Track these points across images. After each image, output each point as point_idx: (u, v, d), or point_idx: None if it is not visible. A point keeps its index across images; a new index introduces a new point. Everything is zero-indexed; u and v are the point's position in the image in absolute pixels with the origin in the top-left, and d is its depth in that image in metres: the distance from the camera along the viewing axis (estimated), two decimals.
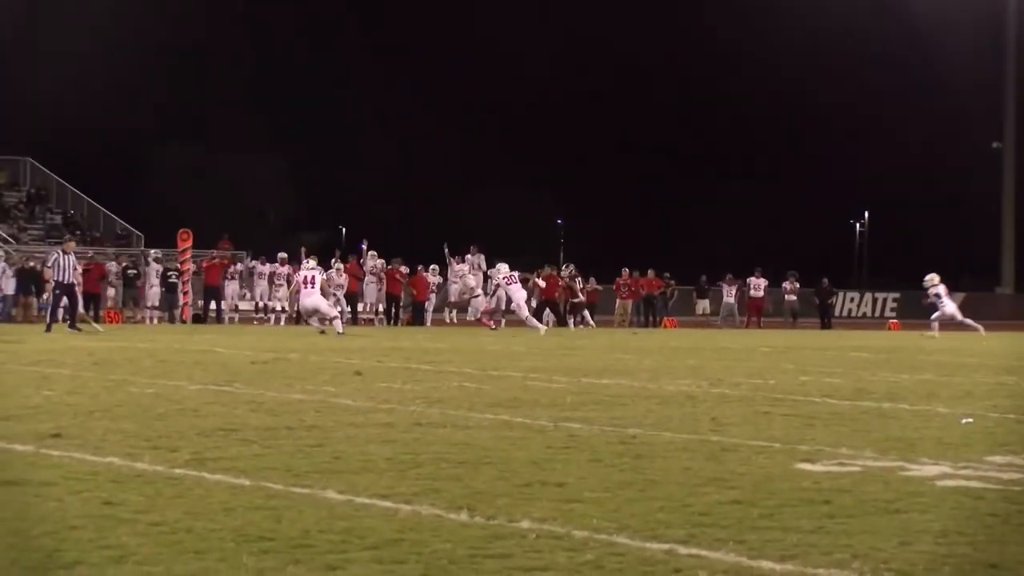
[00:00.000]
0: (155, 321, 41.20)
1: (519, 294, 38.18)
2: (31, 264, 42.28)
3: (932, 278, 41.61)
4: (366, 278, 43.41)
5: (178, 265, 42.62)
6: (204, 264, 43.49)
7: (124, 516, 7.07)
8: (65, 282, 32.42)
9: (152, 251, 44.99)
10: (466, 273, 44.05)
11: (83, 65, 69.92)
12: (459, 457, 9.64)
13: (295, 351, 23.58)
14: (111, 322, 38.57)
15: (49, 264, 33.91)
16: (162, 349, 23.91)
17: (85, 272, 39.01)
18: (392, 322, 42.55)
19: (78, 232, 54.96)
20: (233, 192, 77.14)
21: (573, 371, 19.32)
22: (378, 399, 14.17)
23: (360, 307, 43.38)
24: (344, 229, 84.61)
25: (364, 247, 44.17)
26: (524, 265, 42.86)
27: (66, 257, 32.84)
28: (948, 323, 40.44)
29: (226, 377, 16.97)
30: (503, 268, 38.68)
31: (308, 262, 33.04)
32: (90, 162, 62.07)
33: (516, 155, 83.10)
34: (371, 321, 42.80)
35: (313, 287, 31.88)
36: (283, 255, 43.91)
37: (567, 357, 23.76)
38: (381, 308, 43.33)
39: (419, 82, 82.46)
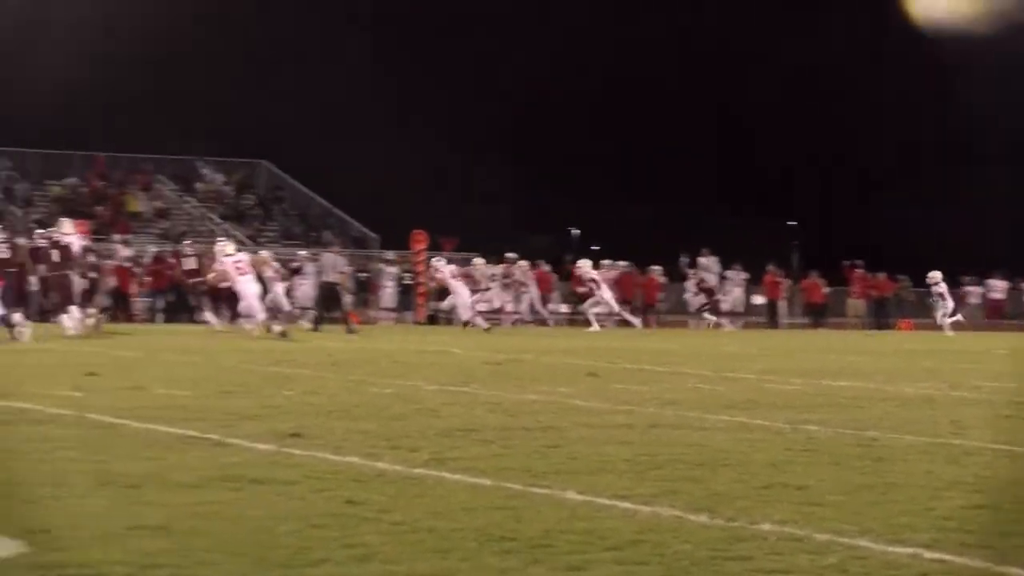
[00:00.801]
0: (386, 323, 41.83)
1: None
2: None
3: (934, 275, 41.07)
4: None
5: (413, 267, 43.21)
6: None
7: (367, 515, 7.14)
8: (329, 281, 33.20)
9: (388, 253, 45.69)
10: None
11: (316, 69, 71.19)
12: (697, 459, 9.57)
13: (528, 352, 23.67)
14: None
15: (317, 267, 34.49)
16: (399, 350, 24.21)
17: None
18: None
19: (312, 234, 56.04)
20: (465, 193, 77.79)
21: (809, 373, 19.09)
22: (614, 400, 14.15)
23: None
24: (576, 231, 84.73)
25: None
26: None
27: (332, 258, 33.77)
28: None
29: (462, 378, 17.10)
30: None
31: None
32: (326, 165, 63.02)
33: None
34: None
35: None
36: (512, 255, 44.13)
37: (802, 359, 23.49)
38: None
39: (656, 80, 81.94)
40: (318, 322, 33.45)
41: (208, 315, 34.12)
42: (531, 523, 6.99)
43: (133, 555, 5.97)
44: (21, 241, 31.75)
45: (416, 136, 73.79)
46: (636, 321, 41.28)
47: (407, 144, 73.71)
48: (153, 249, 45.55)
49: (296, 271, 42.26)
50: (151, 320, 40.61)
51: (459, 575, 5.92)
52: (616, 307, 39.60)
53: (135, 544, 6.20)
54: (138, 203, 56.05)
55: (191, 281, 36.15)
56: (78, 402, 12.72)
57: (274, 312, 31.23)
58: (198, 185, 59.11)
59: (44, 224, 51.88)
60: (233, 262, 29.67)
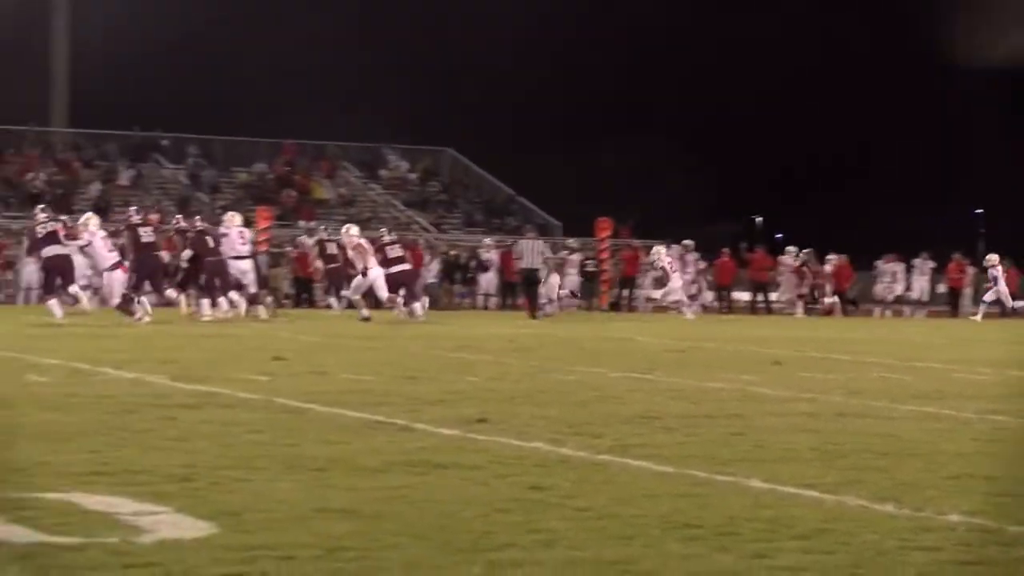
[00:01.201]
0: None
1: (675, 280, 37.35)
2: (453, 253, 43.73)
3: (992, 258, 40.04)
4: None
5: (597, 254, 43.28)
6: (624, 255, 44.00)
7: (551, 501, 7.15)
8: (530, 267, 33.32)
9: (570, 240, 45.77)
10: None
11: (501, 57, 71.45)
12: (883, 448, 9.44)
13: (711, 340, 23.56)
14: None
15: (516, 253, 34.62)
16: (581, 337, 24.25)
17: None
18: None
19: (494, 221, 56.33)
20: (649, 181, 77.53)
21: (996, 363, 18.74)
22: (798, 388, 14.02)
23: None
24: (759, 219, 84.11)
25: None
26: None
27: (530, 243, 33.86)
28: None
29: (645, 365, 17.06)
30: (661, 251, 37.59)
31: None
32: (512, 153, 63.35)
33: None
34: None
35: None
36: (688, 243, 43.92)
37: (988, 348, 23.07)
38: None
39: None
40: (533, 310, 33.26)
41: (332, 300, 34.86)
42: (715, 510, 6.95)
43: (320, 538, 6.05)
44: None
45: (598, 123, 73.89)
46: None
47: (589, 131, 73.83)
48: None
49: (483, 267, 42.69)
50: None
51: (643, 562, 5.90)
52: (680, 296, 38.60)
53: (322, 527, 6.28)
54: (323, 190, 56.76)
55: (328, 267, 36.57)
56: (265, 386, 12.92)
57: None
58: (383, 172, 59.68)
59: (229, 210, 52.97)
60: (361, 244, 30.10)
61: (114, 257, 27.50)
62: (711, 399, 12.83)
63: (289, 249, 41.90)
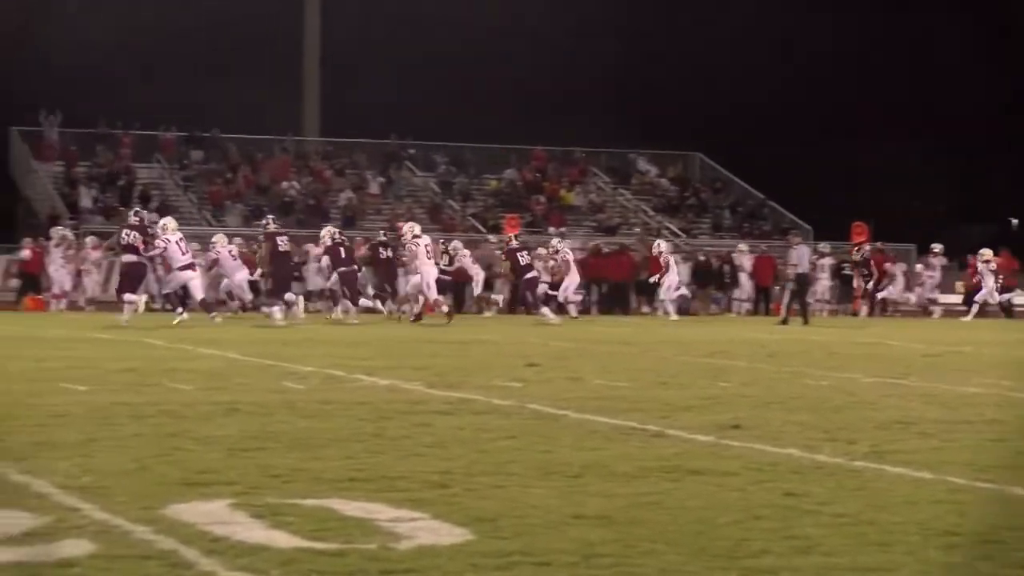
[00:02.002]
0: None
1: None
2: (702, 258, 43.57)
3: (985, 252, 38.32)
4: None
5: (851, 257, 42.67)
6: (875, 259, 43.34)
7: (806, 507, 7.07)
8: (803, 272, 33.26)
9: (822, 244, 45.23)
10: None
11: (750, 60, 70.96)
12: None
13: (968, 344, 23.06)
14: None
15: (792, 259, 34.37)
16: (833, 342, 23.94)
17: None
18: None
19: (744, 226, 55.89)
20: (899, 182, 76.25)
21: None
22: None
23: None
24: (1015, 220, 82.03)
25: None
26: None
27: (804, 249, 33.87)
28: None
29: (899, 370, 16.78)
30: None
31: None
32: (762, 157, 62.80)
33: None
34: None
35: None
36: (937, 247, 43.22)
37: None
38: None
39: None
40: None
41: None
42: (976, 518, 6.80)
43: (576, 544, 6.07)
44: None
45: (847, 125, 72.87)
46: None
47: (838, 133, 72.81)
48: (590, 242, 46.21)
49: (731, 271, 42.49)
50: (587, 312, 41.25)
51: (902, 569, 5.80)
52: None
53: (578, 533, 6.30)
54: (573, 196, 56.96)
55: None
56: (519, 393, 13.01)
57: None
58: (633, 178, 59.68)
59: (478, 217, 53.51)
60: (424, 245, 30.65)
61: (188, 259, 28.36)
62: (968, 404, 12.56)
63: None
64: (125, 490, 7.14)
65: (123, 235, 28.38)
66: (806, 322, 32.21)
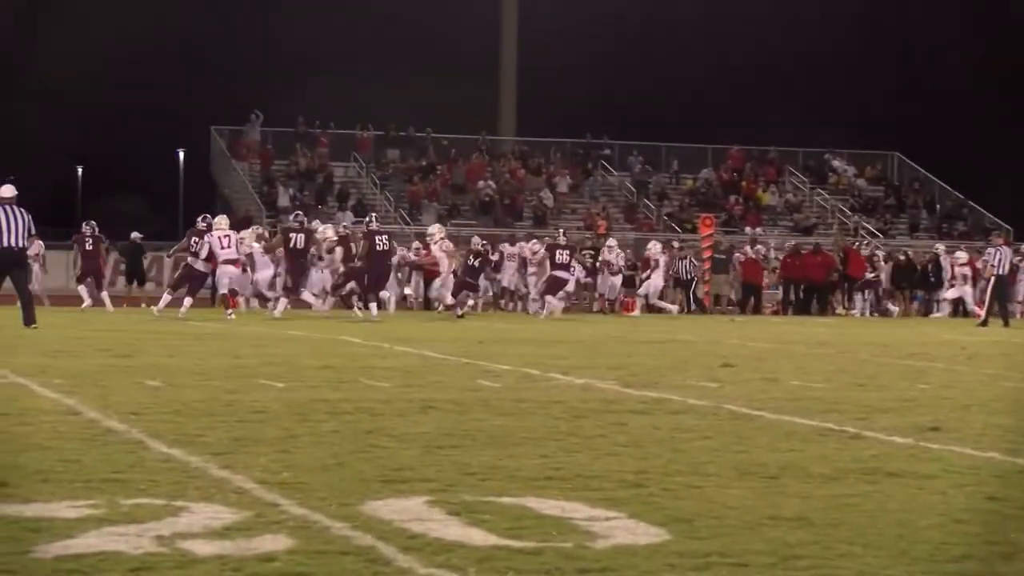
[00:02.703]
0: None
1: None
2: (903, 258, 42.95)
3: (961, 256, 37.65)
4: None
5: None
6: None
7: (1009, 512, 6.91)
8: (1002, 275, 32.81)
9: None
10: None
11: (948, 60, 69.74)
12: None
13: None
14: None
15: (991, 259, 33.84)
16: None
17: None
18: None
19: (943, 226, 54.99)
20: None
21: None
22: None
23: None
24: None
25: None
26: None
27: (1005, 250, 33.40)
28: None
29: None
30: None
31: None
32: (960, 155, 61.77)
33: None
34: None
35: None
36: None
37: None
38: None
39: None
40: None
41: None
42: None
43: (773, 545, 6.00)
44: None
45: None
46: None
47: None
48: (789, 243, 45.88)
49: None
50: (783, 312, 40.95)
51: None
52: None
53: (775, 534, 6.23)
54: (769, 196, 56.54)
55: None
56: (714, 393, 12.93)
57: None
58: (830, 178, 59.07)
59: (674, 217, 53.37)
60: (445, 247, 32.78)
61: (231, 254, 29.65)
62: None
63: (737, 255, 41.86)
64: (323, 486, 7.23)
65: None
66: (1006, 324, 31.63)
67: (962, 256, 40.15)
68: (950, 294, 40.55)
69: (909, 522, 6.58)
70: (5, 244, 22.20)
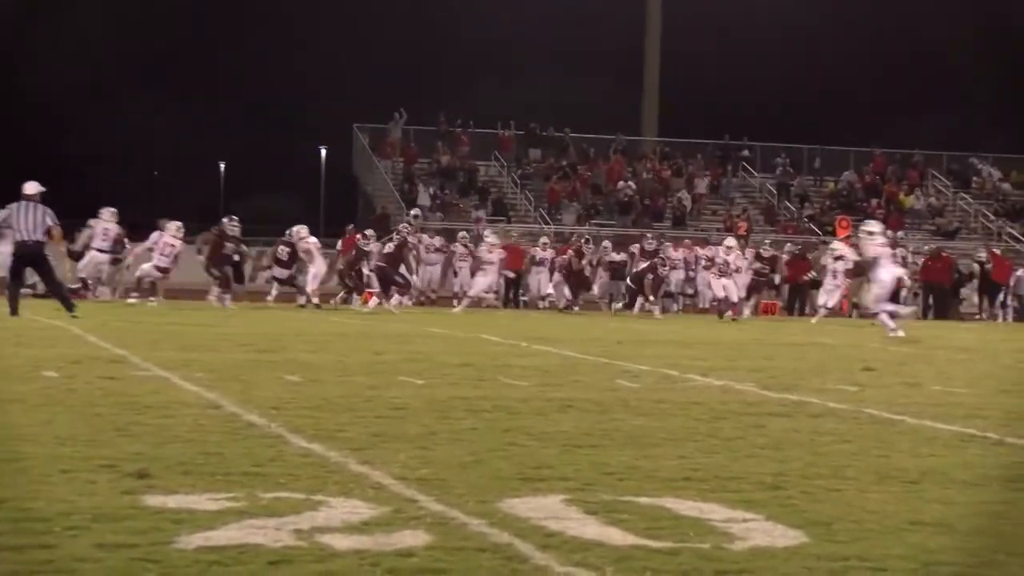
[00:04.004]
0: None
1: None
2: None
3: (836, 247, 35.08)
4: None
5: None
6: None
7: None
8: None
9: None
10: None
11: None
12: None
13: None
14: None
15: None
16: None
17: None
18: None
19: None
20: None
21: None
22: None
23: None
24: None
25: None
26: None
27: None
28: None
29: None
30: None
31: None
32: None
33: None
34: None
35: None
36: None
37: None
38: None
39: None
40: None
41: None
42: None
43: (914, 551, 5.92)
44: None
45: None
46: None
47: None
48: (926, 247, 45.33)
49: None
50: (922, 316, 40.47)
51: None
52: None
53: (915, 540, 6.15)
54: (912, 199, 55.89)
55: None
56: (854, 397, 12.80)
57: None
58: (974, 182, 58.26)
59: (815, 220, 52.92)
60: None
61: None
62: None
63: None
64: (461, 483, 7.25)
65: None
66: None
67: None
68: None
69: None
70: (19, 238, 23.27)
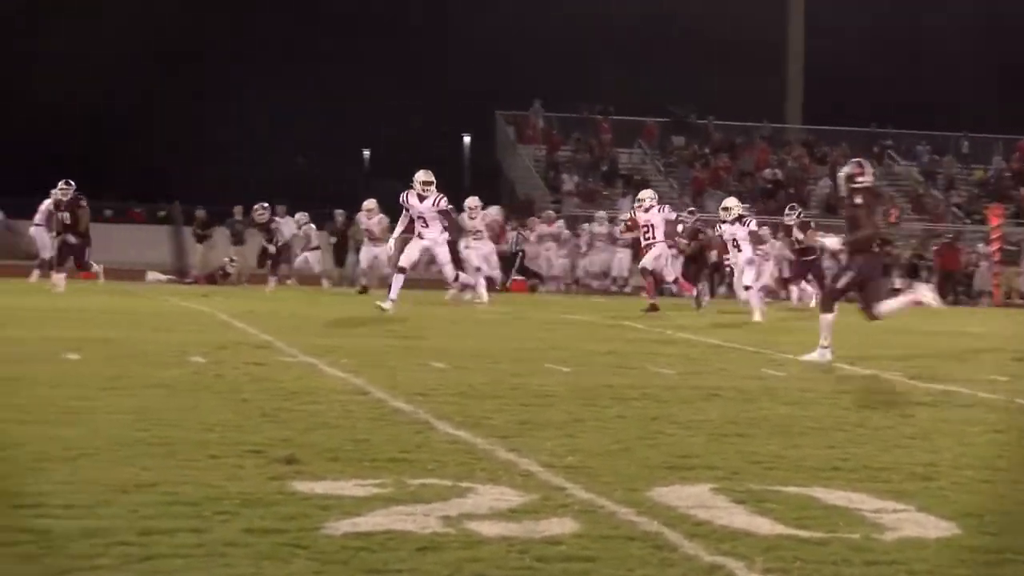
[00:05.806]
0: None
1: None
2: None
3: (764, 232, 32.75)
4: None
5: None
6: None
7: None
8: None
9: None
10: None
11: None
12: None
13: None
14: None
15: None
16: None
17: None
18: None
19: None
20: None
21: None
22: None
23: None
24: None
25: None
26: None
27: None
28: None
29: None
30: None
31: None
32: None
33: None
34: None
35: None
36: None
37: None
38: None
39: None
40: None
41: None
42: None
43: None
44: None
45: None
46: None
47: None
48: None
49: None
50: None
51: None
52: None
53: None
54: None
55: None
56: (1006, 387, 12.62)
57: None
58: None
59: (963, 208, 52.13)
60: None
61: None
62: None
63: None
64: (609, 471, 7.25)
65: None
66: None
67: None
68: None
69: None
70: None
